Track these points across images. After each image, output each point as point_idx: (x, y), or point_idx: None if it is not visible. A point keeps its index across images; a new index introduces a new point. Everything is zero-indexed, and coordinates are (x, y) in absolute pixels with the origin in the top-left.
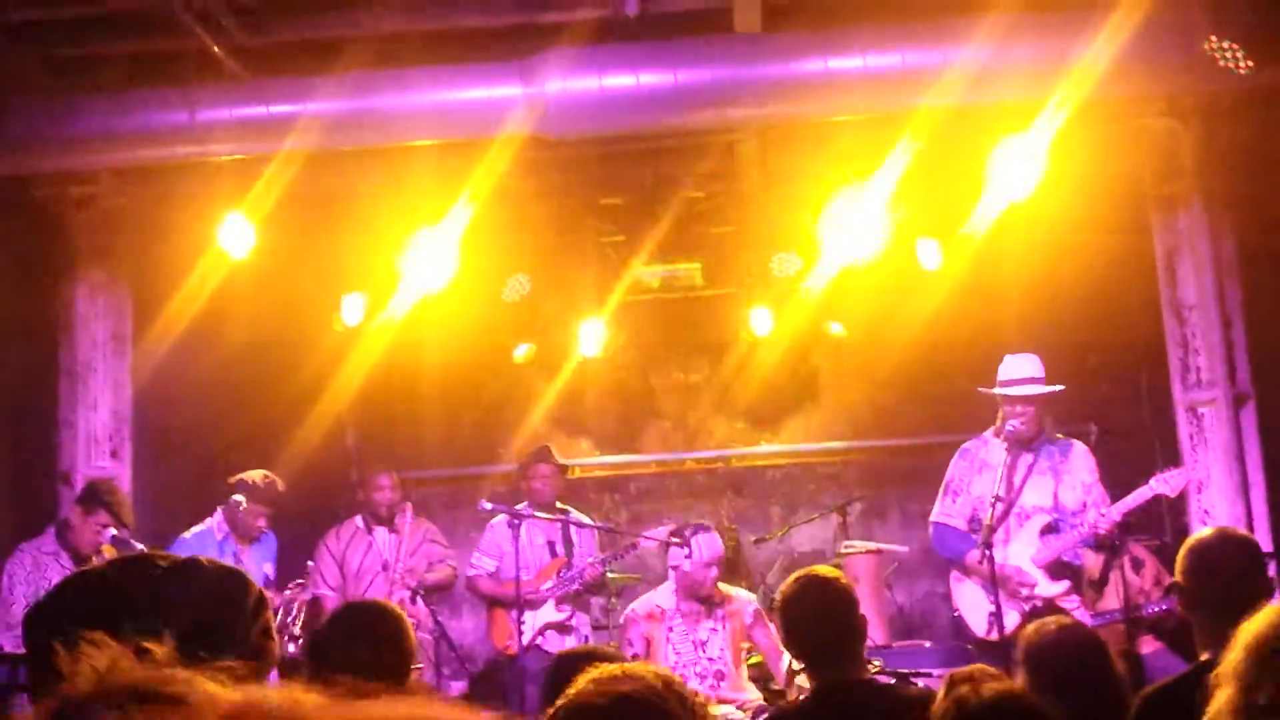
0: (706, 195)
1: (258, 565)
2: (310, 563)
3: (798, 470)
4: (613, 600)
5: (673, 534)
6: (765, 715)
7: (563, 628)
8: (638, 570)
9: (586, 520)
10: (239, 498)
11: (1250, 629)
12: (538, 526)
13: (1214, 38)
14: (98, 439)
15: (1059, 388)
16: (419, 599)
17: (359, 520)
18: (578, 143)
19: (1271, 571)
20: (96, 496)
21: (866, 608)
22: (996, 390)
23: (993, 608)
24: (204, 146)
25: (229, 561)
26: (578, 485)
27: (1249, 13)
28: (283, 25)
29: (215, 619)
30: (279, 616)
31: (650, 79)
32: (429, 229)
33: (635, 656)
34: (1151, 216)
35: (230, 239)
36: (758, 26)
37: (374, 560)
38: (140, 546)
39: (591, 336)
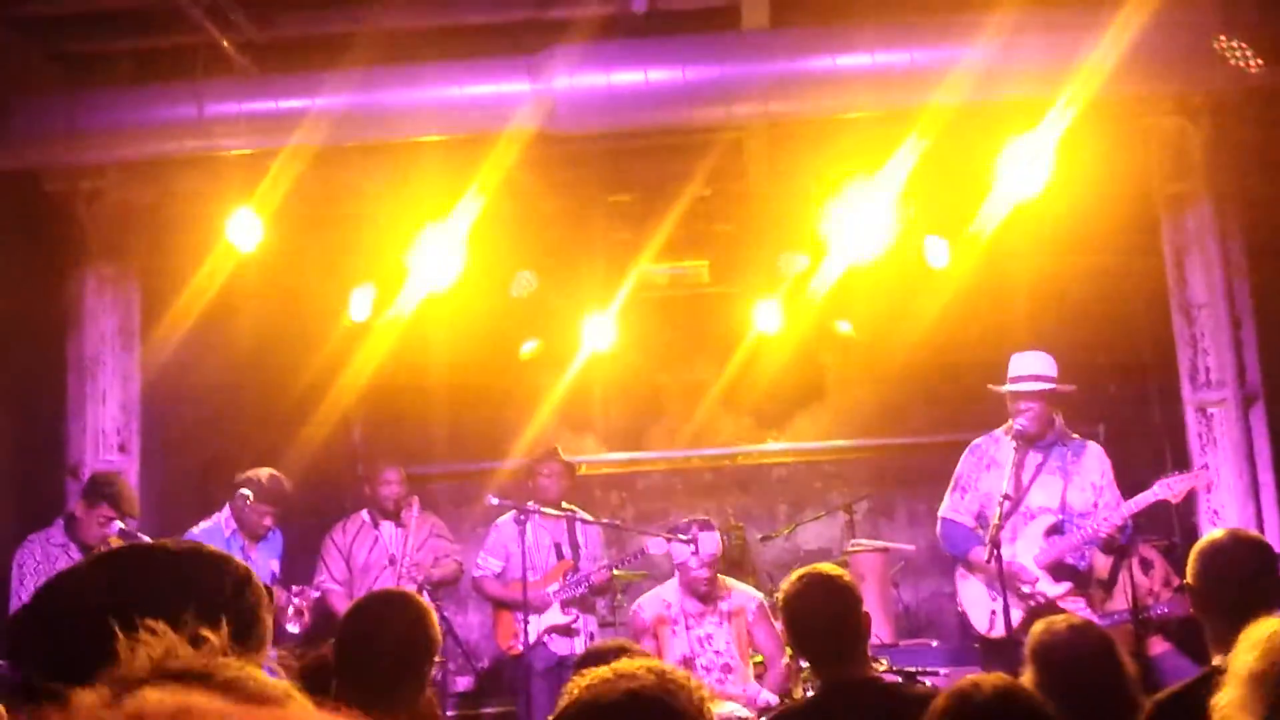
0: (714, 193)
1: (265, 562)
2: (318, 582)
3: (804, 468)
4: (619, 598)
5: (678, 530)
6: (772, 713)
7: (568, 630)
8: (644, 568)
9: (591, 519)
10: (246, 492)
11: (1245, 661)
12: (544, 526)
13: (1224, 37)
14: (106, 433)
15: (1068, 387)
16: (425, 594)
17: (365, 515)
18: (585, 139)
19: None
20: (98, 489)
21: (873, 606)
22: (1005, 387)
23: (994, 605)
24: (212, 141)
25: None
26: (584, 482)
27: (1258, 10)
28: (291, 20)
29: (184, 604)
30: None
31: (658, 75)
32: (436, 225)
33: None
34: (1160, 215)
35: (238, 234)
36: (766, 23)
37: (380, 555)
38: (146, 539)
39: (598, 334)
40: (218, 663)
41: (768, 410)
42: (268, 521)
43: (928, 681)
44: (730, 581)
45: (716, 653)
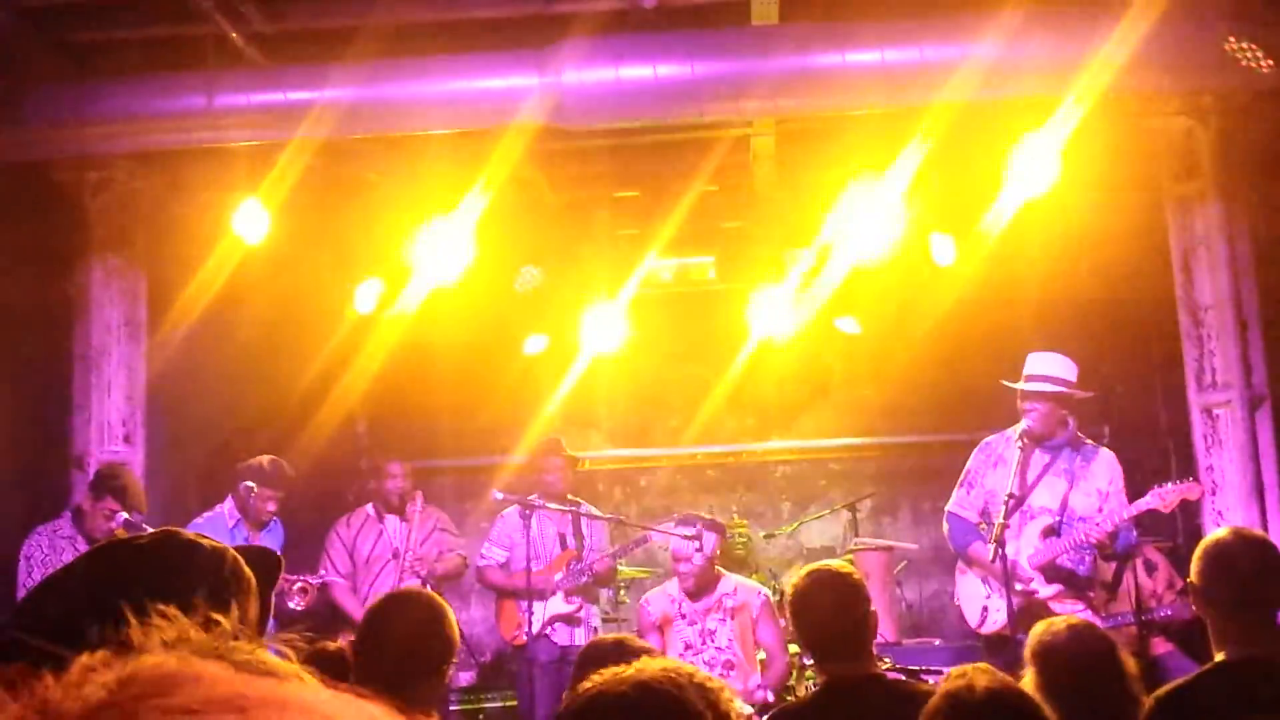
0: (721, 189)
1: None
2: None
3: (808, 466)
4: (621, 593)
5: (683, 522)
6: (774, 710)
7: (571, 619)
8: (648, 564)
9: (597, 512)
10: (250, 483)
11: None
12: (549, 518)
13: (1233, 38)
14: (111, 424)
15: (1081, 393)
16: (428, 588)
17: (370, 508)
18: (591, 134)
19: None
20: (103, 483)
21: (876, 604)
22: (1014, 384)
23: (987, 600)
24: (221, 132)
25: None
26: (588, 478)
27: (1269, 11)
28: (299, 11)
29: (191, 589)
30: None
31: (667, 70)
32: (442, 218)
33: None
34: (1168, 216)
35: (245, 225)
36: (775, 18)
37: (384, 548)
38: (150, 531)
39: (603, 329)
40: (229, 646)
41: (772, 408)
42: (271, 507)
43: (931, 680)
44: (736, 578)
45: (719, 649)
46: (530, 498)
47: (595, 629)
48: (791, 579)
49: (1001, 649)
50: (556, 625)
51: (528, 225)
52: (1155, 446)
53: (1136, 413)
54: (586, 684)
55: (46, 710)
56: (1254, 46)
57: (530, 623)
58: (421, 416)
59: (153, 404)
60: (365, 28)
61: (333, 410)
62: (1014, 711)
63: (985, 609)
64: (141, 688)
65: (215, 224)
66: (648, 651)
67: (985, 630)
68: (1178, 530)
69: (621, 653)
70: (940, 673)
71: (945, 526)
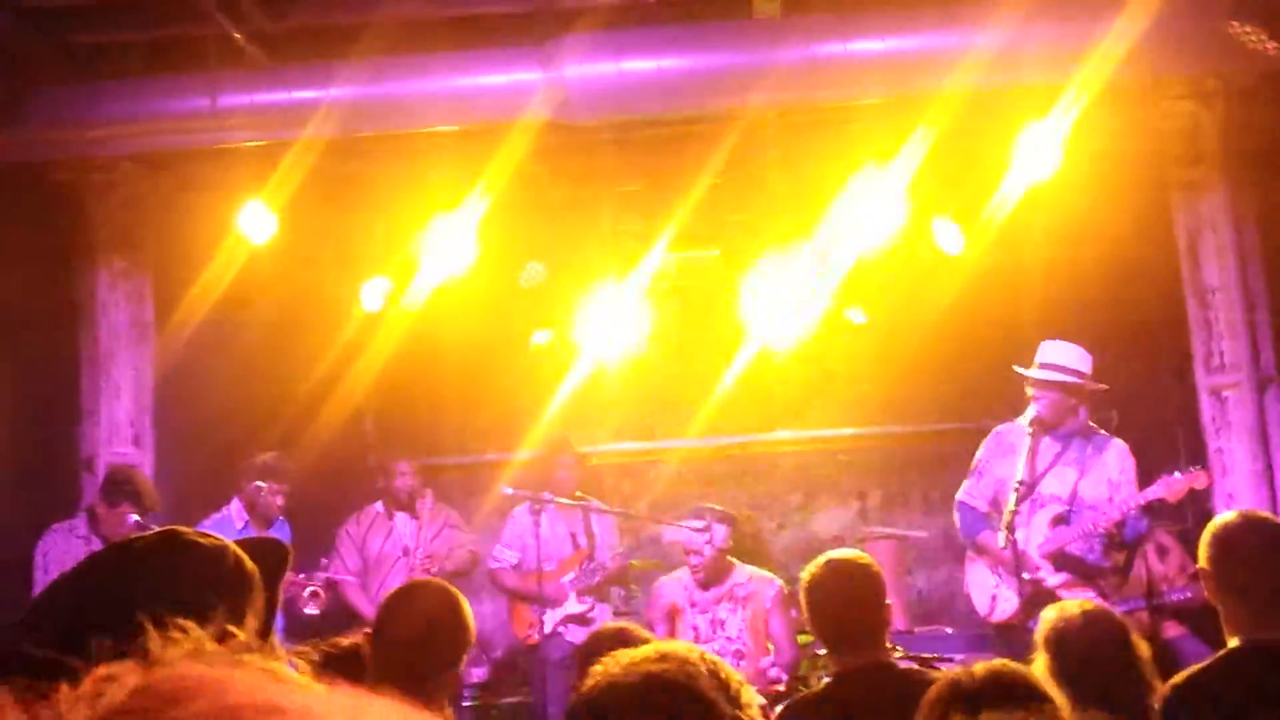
0: (725, 181)
1: None
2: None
3: (817, 457)
4: (633, 589)
5: (695, 514)
6: (788, 700)
7: (584, 620)
8: (659, 557)
9: (605, 507)
10: (260, 483)
11: None
12: (559, 516)
13: (1237, 21)
14: (119, 426)
15: (1093, 385)
16: None
17: (379, 506)
18: (596, 128)
19: None
20: (119, 489)
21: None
22: (1025, 371)
23: (995, 589)
24: (225, 133)
25: None
26: (595, 473)
27: None
28: (302, 10)
29: (161, 589)
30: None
31: (670, 63)
32: (448, 215)
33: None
34: (1174, 200)
35: (251, 225)
36: (777, 10)
37: (395, 546)
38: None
39: (609, 324)
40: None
41: (780, 398)
42: (280, 501)
43: (943, 668)
44: (750, 568)
45: (729, 638)
46: (540, 494)
47: None
48: (810, 567)
49: (1011, 637)
50: (569, 625)
51: (531, 220)
52: (1163, 431)
53: (1143, 398)
54: (591, 677)
55: None
56: (1258, 29)
57: (542, 622)
58: (428, 413)
59: (161, 405)
60: (368, 25)
61: (339, 408)
62: (1016, 689)
63: (994, 597)
64: (157, 698)
65: (220, 224)
66: (648, 643)
67: (995, 619)
68: (1187, 514)
69: (624, 644)
70: (952, 660)
71: (955, 515)
